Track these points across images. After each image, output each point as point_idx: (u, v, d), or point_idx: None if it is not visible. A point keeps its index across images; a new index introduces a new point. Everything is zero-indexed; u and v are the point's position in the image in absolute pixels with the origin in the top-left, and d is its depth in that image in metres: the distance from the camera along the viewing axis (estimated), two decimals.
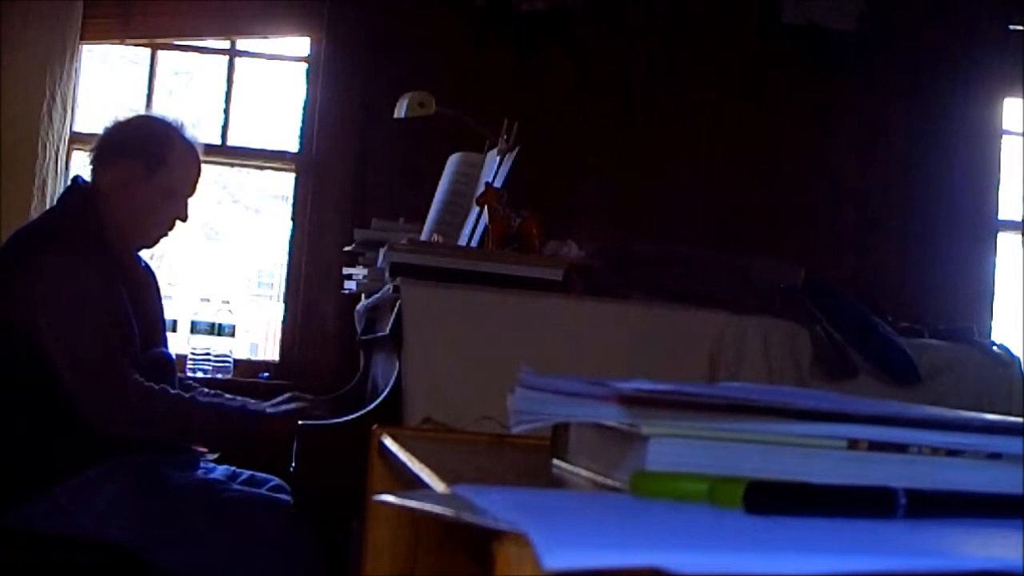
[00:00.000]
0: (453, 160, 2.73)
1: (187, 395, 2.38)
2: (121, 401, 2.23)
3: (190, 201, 2.53)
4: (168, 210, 2.48)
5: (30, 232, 2.44)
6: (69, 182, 2.57)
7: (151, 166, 2.43)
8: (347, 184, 3.74)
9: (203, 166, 2.58)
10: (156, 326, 2.51)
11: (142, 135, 2.48)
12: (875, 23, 3.85)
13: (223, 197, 7.38)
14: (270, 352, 4.91)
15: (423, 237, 2.55)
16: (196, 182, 2.54)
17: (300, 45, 3.94)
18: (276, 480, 2.53)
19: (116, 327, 2.29)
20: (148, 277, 2.56)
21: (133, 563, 2.20)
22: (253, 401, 2.54)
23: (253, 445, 2.40)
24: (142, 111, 2.68)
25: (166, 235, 2.51)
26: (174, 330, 3.55)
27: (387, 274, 2.21)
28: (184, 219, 2.51)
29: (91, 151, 2.50)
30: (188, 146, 2.51)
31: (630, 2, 3.91)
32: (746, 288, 2.23)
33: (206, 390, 2.60)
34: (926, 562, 0.48)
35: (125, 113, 2.56)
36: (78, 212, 2.41)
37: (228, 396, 2.57)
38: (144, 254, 2.58)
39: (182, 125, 2.52)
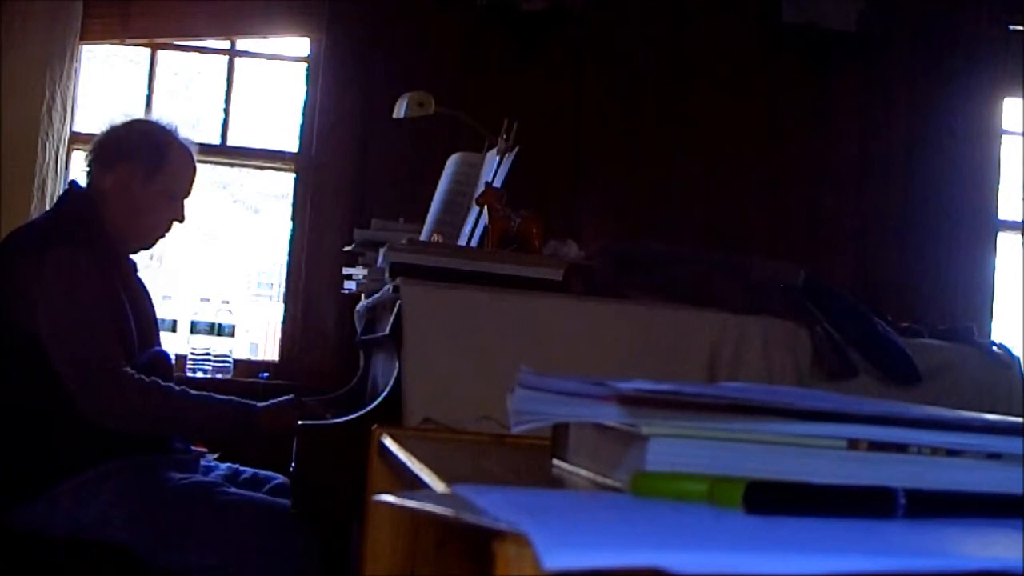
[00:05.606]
0: (453, 160, 2.73)
1: (178, 388, 2.38)
2: (118, 396, 2.24)
3: (186, 202, 2.56)
4: (166, 212, 2.51)
5: (29, 232, 2.45)
6: (66, 185, 2.58)
7: (150, 169, 2.47)
8: (347, 184, 3.75)
9: (202, 166, 2.60)
10: (151, 326, 2.52)
11: (140, 139, 2.50)
12: (875, 23, 3.85)
13: (223, 197, 7.36)
14: (270, 352, 4.90)
15: (423, 237, 2.55)
16: (192, 184, 2.58)
17: (300, 45, 3.94)
18: (279, 478, 2.53)
19: (114, 324, 2.30)
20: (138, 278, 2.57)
21: (132, 563, 2.20)
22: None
23: (249, 439, 2.40)
24: (138, 114, 2.70)
25: (164, 236, 2.54)
26: (174, 330, 3.56)
27: (387, 274, 2.20)
28: (181, 220, 2.54)
29: (88, 154, 2.52)
30: (185, 149, 2.54)
31: (630, 2, 3.91)
32: (746, 288, 2.22)
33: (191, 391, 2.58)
34: (926, 562, 0.48)
35: (121, 116, 2.58)
36: (77, 213, 2.42)
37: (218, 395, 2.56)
38: (143, 254, 2.59)
39: (176, 128, 2.56)
